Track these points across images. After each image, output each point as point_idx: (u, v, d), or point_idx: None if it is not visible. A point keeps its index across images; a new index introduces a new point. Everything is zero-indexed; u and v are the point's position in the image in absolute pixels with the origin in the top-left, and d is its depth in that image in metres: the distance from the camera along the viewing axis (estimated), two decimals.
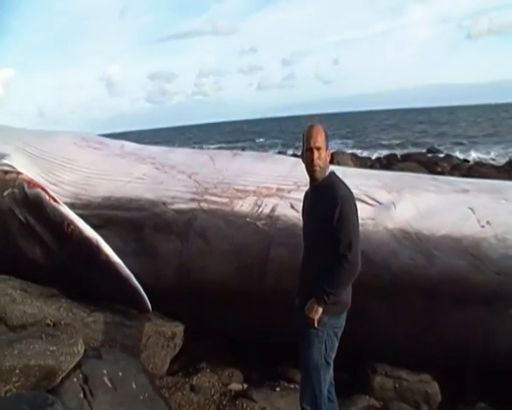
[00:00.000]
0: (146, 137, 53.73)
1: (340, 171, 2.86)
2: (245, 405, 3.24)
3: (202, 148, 29.19)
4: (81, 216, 3.79)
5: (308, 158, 2.54)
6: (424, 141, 32.64)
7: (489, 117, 57.05)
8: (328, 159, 2.58)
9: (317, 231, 2.55)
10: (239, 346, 3.97)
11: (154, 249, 3.79)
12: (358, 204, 2.58)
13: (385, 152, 24.98)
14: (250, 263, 3.61)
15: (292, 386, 3.50)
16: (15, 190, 3.89)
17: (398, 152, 23.61)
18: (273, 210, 3.77)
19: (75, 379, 2.70)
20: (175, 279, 3.72)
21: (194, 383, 3.52)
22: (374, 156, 23.19)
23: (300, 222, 2.82)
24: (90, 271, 3.66)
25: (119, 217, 3.96)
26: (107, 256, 3.58)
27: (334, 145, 29.25)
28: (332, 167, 2.70)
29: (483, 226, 3.48)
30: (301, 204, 2.83)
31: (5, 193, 3.91)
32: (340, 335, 2.60)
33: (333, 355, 2.60)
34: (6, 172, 4.02)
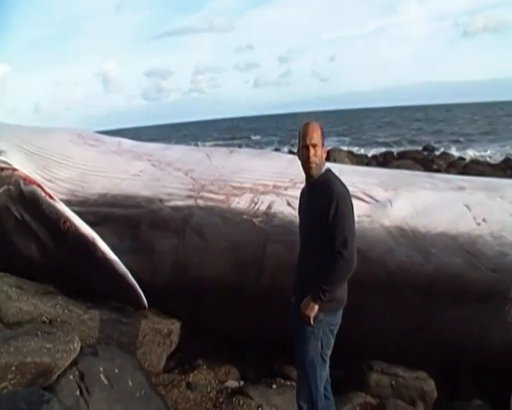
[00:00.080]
0: (142, 134, 53.48)
1: (336, 168, 2.86)
2: (241, 402, 3.24)
3: (198, 145, 29.10)
4: (77, 213, 3.78)
5: (304, 155, 2.54)
6: (420, 139, 32.62)
7: (485, 115, 57.12)
8: (324, 156, 2.58)
9: (312, 228, 2.55)
10: (235, 343, 3.97)
11: (151, 246, 3.79)
12: (355, 201, 2.58)
13: (381, 149, 24.92)
14: (246, 260, 3.61)
15: (288, 383, 3.50)
16: (11, 187, 3.88)
17: (395, 150, 23.57)
18: (270, 207, 3.77)
19: (71, 376, 2.70)
20: (171, 276, 3.72)
21: (190, 380, 3.51)
22: (370, 154, 23.10)
23: (297, 219, 2.83)
24: (87, 268, 3.65)
25: (115, 214, 3.95)
26: (103, 253, 3.57)
27: (331, 142, 29.20)
28: (328, 165, 2.70)
29: (479, 224, 3.50)
30: (298, 201, 2.83)
31: (1, 190, 3.89)
32: (336, 332, 2.61)
33: (329, 352, 2.60)
34: (2, 169, 4.00)
